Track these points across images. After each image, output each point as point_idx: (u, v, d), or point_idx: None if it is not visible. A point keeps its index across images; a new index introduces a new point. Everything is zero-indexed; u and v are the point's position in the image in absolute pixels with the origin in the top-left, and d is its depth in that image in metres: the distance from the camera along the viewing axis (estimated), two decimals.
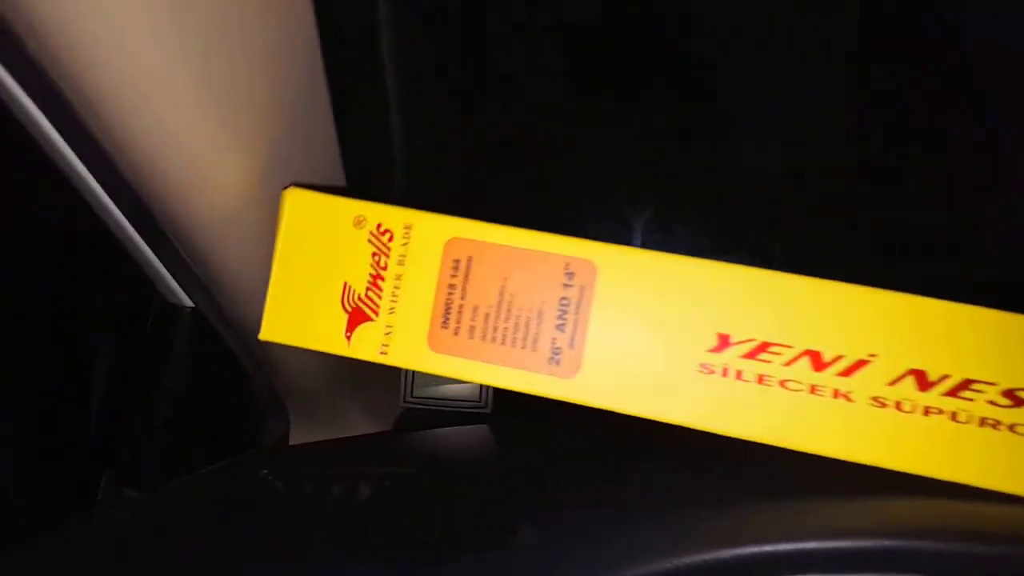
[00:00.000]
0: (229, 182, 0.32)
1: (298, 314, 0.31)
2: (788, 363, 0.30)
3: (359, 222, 0.31)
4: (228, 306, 0.39)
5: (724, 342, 0.30)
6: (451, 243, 0.31)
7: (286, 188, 0.31)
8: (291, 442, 0.53)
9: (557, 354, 0.30)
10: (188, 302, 0.44)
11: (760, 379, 0.30)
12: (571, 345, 0.30)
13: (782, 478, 0.30)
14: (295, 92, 0.34)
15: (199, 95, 0.28)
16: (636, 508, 0.29)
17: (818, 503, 0.28)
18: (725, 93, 0.50)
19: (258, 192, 0.32)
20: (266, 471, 0.47)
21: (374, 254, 0.31)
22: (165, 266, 0.41)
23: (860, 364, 0.29)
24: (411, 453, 0.46)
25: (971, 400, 0.29)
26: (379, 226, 0.31)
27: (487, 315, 0.31)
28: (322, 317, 0.31)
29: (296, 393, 0.52)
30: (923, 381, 0.29)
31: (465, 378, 0.31)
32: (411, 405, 0.57)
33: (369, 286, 0.31)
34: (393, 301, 0.31)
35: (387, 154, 0.40)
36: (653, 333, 0.30)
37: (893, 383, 0.29)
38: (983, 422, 0.29)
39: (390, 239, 0.31)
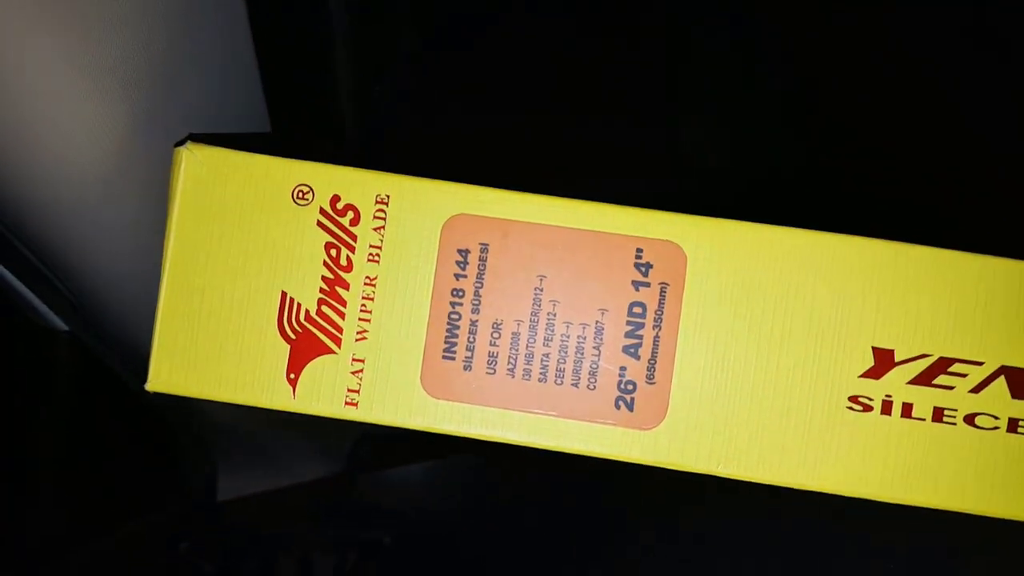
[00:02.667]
0: (87, 142, 0.20)
1: (208, 349, 0.19)
2: (977, 388, 0.19)
3: (302, 195, 0.19)
4: (112, 330, 0.27)
5: (885, 361, 0.19)
6: (453, 223, 0.19)
7: (180, 143, 0.19)
8: (219, 492, 0.41)
9: (628, 393, 0.19)
10: (61, 325, 0.31)
11: (938, 414, 0.19)
12: (649, 378, 0.19)
13: None
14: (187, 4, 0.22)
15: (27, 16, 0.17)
16: None
17: None
18: None
19: (136, 153, 0.20)
20: (187, 543, 0.35)
21: (330, 246, 0.19)
22: (19, 278, 0.28)
23: None
24: (380, 509, 0.35)
25: None
26: (335, 200, 0.19)
27: (514, 336, 0.19)
28: (248, 352, 0.19)
29: (221, 428, 0.40)
30: None
31: (482, 435, 0.20)
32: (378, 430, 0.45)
33: (324, 298, 0.19)
34: (364, 320, 0.19)
35: (338, 91, 0.28)
36: (775, 353, 0.19)
37: None
38: None
39: (354, 221, 0.19)
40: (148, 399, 0.37)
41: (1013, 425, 0.20)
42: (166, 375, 0.19)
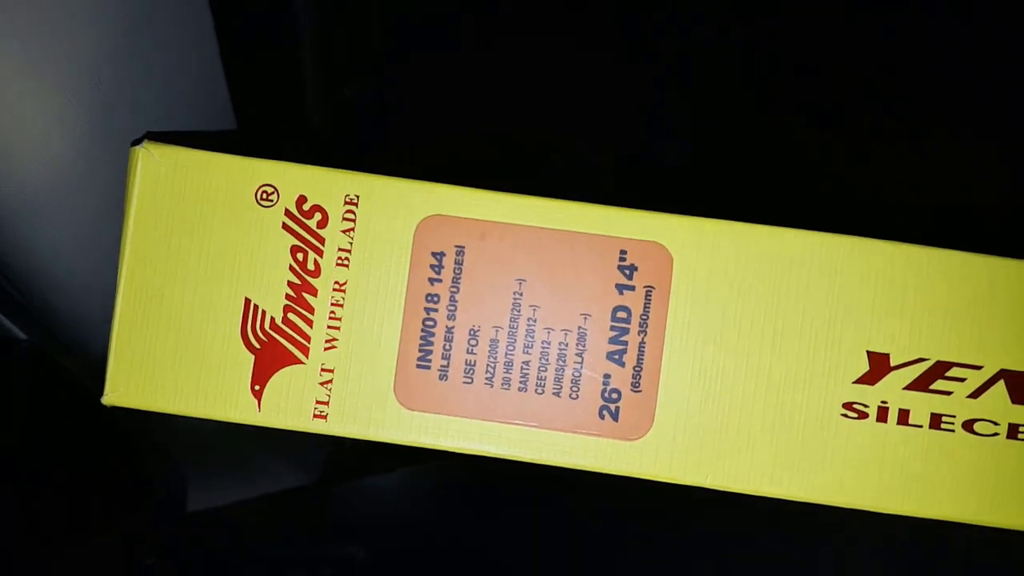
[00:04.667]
0: (42, 142, 0.19)
1: (167, 360, 0.18)
2: (976, 393, 0.19)
3: (266, 195, 0.18)
4: (70, 336, 0.26)
5: (880, 366, 0.19)
6: (427, 225, 0.18)
7: (136, 142, 0.18)
8: (189, 503, 0.39)
9: (613, 402, 0.18)
10: (19, 333, 0.30)
11: (935, 421, 0.19)
12: (635, 386, 0.18)
13: None
14: None
15: None
16: None
17: None
18: None
19: (95, 152, 0.19)
20: (153, 559, 0.34)
21: (296, 249, 0.18)
22: None
23: None
24: (355, 521, 0.34)
25: None
26: (302, 201, 0.18)
27: (493, 343, 0.18)
28: (210, 363, 0.18)
29: (190, 435, 0.39)
30: None
31: (460, 449, 0.19)
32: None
33: (290, 304, 0.18)
34: (333, 328, 0.18)
35: (306, 92, 0.27)
36: (766, 358, 0.18)
37: None
38: None
39: (322, 223, 0.18)
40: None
41: (1013, 431, 0.19)
42: (123, 388, 0.18)
